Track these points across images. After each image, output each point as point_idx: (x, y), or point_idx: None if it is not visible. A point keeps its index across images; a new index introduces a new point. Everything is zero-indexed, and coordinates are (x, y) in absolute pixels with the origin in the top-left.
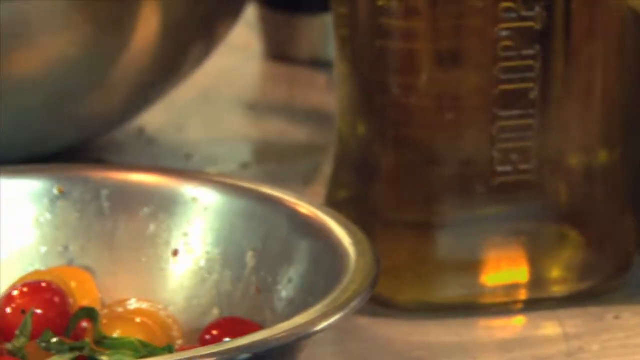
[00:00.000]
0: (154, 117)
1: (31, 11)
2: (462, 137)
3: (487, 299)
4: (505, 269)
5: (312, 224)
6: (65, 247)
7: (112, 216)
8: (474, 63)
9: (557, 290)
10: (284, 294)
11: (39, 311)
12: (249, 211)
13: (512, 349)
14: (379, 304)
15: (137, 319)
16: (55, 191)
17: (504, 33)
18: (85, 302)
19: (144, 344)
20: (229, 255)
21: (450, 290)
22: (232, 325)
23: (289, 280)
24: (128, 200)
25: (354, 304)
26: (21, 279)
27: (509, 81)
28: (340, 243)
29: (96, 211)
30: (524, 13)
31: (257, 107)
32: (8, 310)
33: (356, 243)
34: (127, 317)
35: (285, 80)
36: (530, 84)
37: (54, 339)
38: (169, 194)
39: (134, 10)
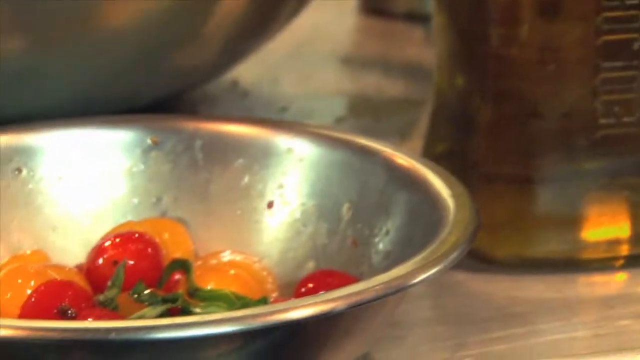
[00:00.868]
0: (248, 71)
1: None
2: (564, 89)
3: (588, 255)
4: (606, 225)
5: (410, 175)
6: (159, 199)
7: (205, 168)
8: (576, 13)
9: None
10: (381, 246)
11: (131, 262)
12: (346, 163)
13: (614, 305)
14: (477, 259)
15: (232, 271)
16: (148, 142)
17: None
18: (178, 254)
19: (238, 297)
20: (324, 207)
21: (551, 246)
22: (328, 278)
23: (386, 233)
24: (222, 152)
25: (452, 256)
26: (113, 230)
27: (613, 32)
28: (438, 195)
29: (190, 162)
30: None
31: (352, 62)
32: (100, 261)
33: (455, 195)
34: (221, 269)
35: (380, 35)
36: (635, 35)
37: (147, 291)
38: (264, 145)
39: None
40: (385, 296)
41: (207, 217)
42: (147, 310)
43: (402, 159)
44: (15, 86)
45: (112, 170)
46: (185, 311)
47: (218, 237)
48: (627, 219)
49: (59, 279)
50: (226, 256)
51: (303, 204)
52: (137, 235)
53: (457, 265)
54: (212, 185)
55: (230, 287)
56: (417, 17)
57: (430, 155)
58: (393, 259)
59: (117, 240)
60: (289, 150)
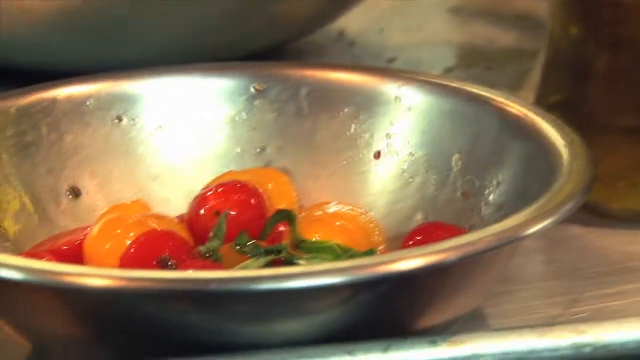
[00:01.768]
0: (354, 21)
1: None
2: None
3: None
4: None
5: (523, 124)
6: (262, 149)
7: (311, 116)
8: None
9: None
10: (492, 198)
11: (233, 213)
12: (456, 111)
13: None
14: (592, 212)
15: (337, 223)
16: (252, 89)
17: None
18: (282, 205)
19: (344, 249)
20: (434, 157)
21: None
22: (438, 231)
23: (498, 184)
24: (328, 100)
25: (567, 208)
26: (215, 179)
27: None
28: (553, 145)
29: (295, 111)
30: None
31: (461, 12)
32: (202, 211)
33: (570, 145)
34: (326, 220)
35: None
36: None
37: (250, 242)
38: (371, 94)
39: None
40: (497, 247)
41: (312, 167)
42: (250, 262)
43: (515, 108)
44: (117, 34)
45: (215, 119)
46: (289, 263)
47: (323, 187)
48: None
49: (159, 229)
50: (332, 207)
51: (411, 154)
52: (240, 185)
53: (571, 219)
54: (318, 135)
55: (335, 239)
56: None
57: (543, 106)
58: (505, 210)
59: (220, 190)
60: (397, 98)
